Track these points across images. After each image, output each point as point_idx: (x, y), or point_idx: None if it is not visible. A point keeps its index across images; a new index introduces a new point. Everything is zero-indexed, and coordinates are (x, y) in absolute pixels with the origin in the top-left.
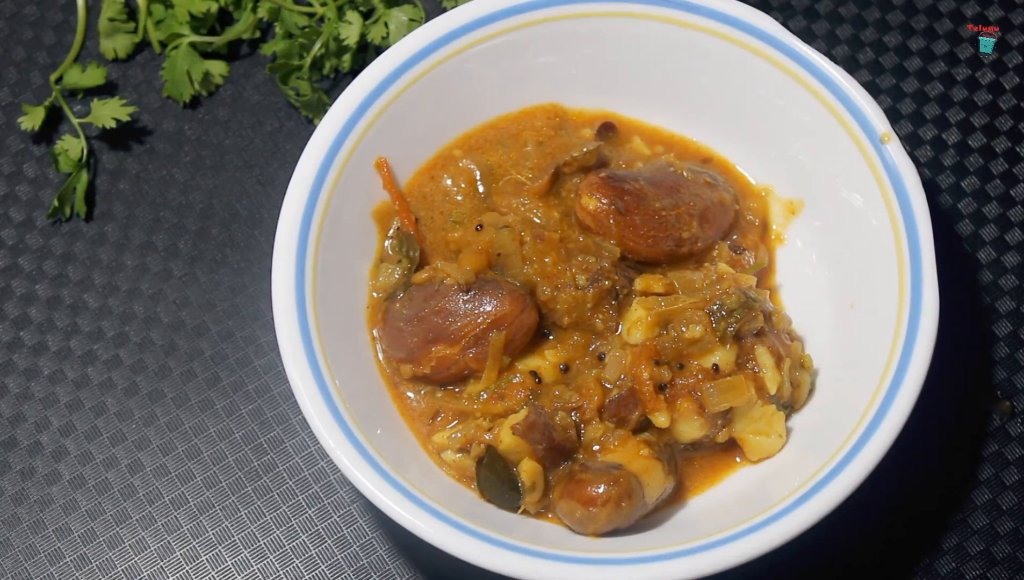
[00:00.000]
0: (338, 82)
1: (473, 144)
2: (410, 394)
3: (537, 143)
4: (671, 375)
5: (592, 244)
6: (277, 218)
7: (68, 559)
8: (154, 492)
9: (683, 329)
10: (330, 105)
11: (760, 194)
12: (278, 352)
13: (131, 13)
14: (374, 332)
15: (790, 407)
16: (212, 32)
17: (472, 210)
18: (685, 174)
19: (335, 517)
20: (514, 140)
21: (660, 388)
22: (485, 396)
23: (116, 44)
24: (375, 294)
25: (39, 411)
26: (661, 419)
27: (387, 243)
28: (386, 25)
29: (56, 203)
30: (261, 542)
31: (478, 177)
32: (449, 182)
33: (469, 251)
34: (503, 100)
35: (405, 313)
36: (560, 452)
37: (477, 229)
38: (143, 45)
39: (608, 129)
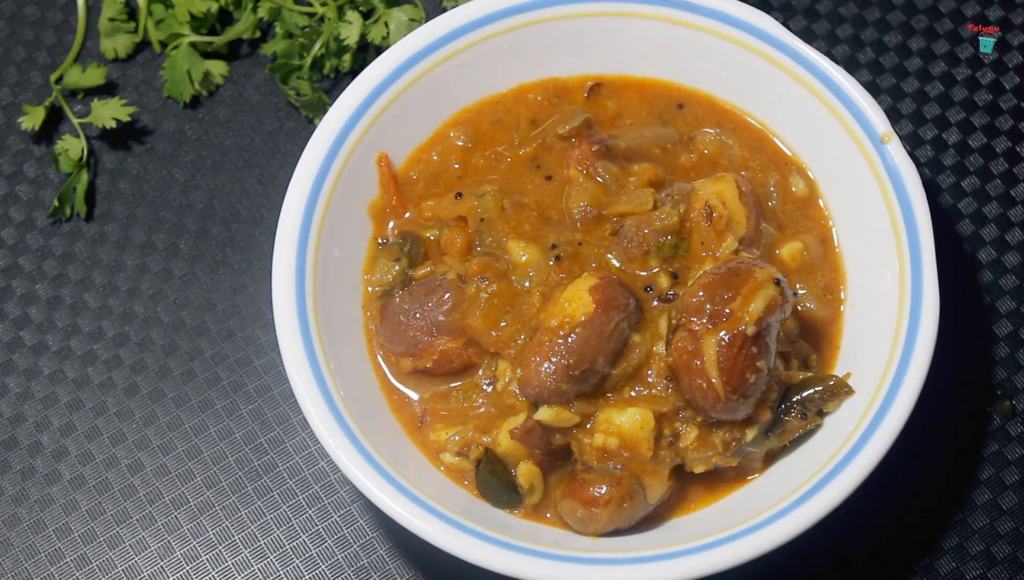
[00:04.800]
0: (338, 82)
1: (467, 119)
2: (410, 393)
3: (530, 120)
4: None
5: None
6: (277, 218)
7: (68, 559)
8: (154, 492)
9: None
10: (330, 105)
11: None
12: (278, 352)
13: (131, 13)
14: (371, 327)
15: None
16: (212, 32)
17: (456, 183)
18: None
19: (335, 517)
20: (509, 113)
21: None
22: (481, 401)
23: (116, 44)
24: (370, 289)
25: (39, 411)
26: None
27: (383, 241)
28: (386, 25)
29: (56, 203)
30: (261, 542)
31: (468, 145)
32: (436, 157)
33: (454, 228)
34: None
35: (406, 307)
36: (558, 456)
37: (456, 197)
38: (143, 45)
39: (598, 87)
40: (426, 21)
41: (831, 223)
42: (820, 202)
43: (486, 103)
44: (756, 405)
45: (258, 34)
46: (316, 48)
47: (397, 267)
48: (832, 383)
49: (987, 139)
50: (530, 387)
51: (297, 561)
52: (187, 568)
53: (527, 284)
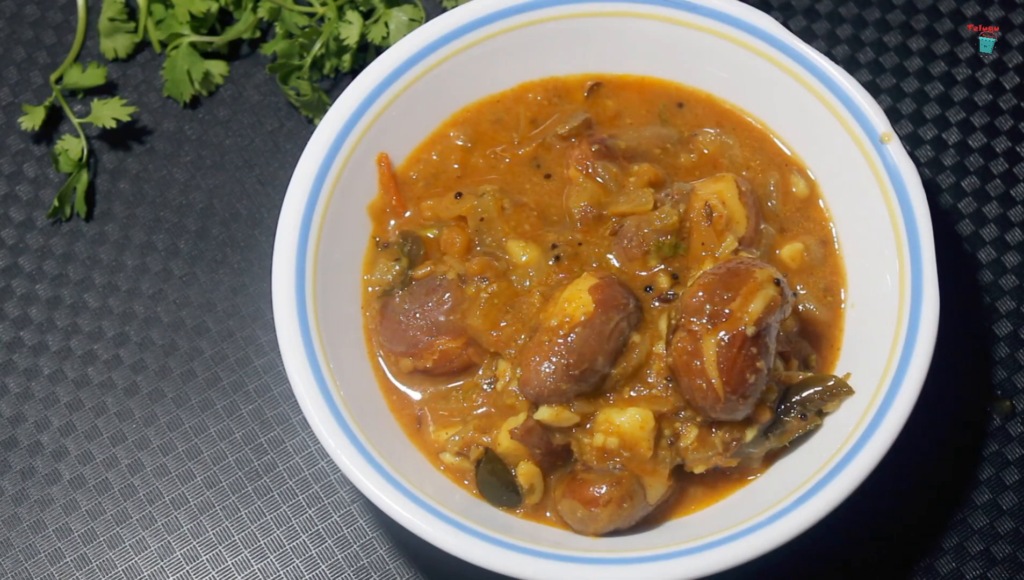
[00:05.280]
0: (338, 82)
1: (467, 119)
2: (410, 393)
3: (530, 120)
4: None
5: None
6: (277, 218)
7: (68, 559)
8: (154, 492)
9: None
10: (330, 105)
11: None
12: (278, 352)
13: (131, 13)
14: (371, 327)
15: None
16: (212, 32)
17: (456, 183)
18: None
19: (335, 517)
20: (509, 113)
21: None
22: (481, 401)
23: (116, 44)
24: (370, 289)
25: (39, 411)
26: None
27: (384, 244)
28: (386, 25)
29: (56, 203)
30: (261, 542)
31: (468, 145)
32: (435, 157)
33: (454, 228)
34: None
35: (406, 307)
36: (558, 456)
37: (456, 197)
38: (143, 45)
39: (598, 86)
40: (426, 21)
41: (831, 223)
42: (820, 203)
43: (486, 103)
44: (756, 405)
45: (258, 34)
46: (316, 48)
47: (397, 267)
48: (832, 383)
49: (987, 139)
50: (530, 387)
51: (297, 561)
52: (187, 568)
53: (527, 284)
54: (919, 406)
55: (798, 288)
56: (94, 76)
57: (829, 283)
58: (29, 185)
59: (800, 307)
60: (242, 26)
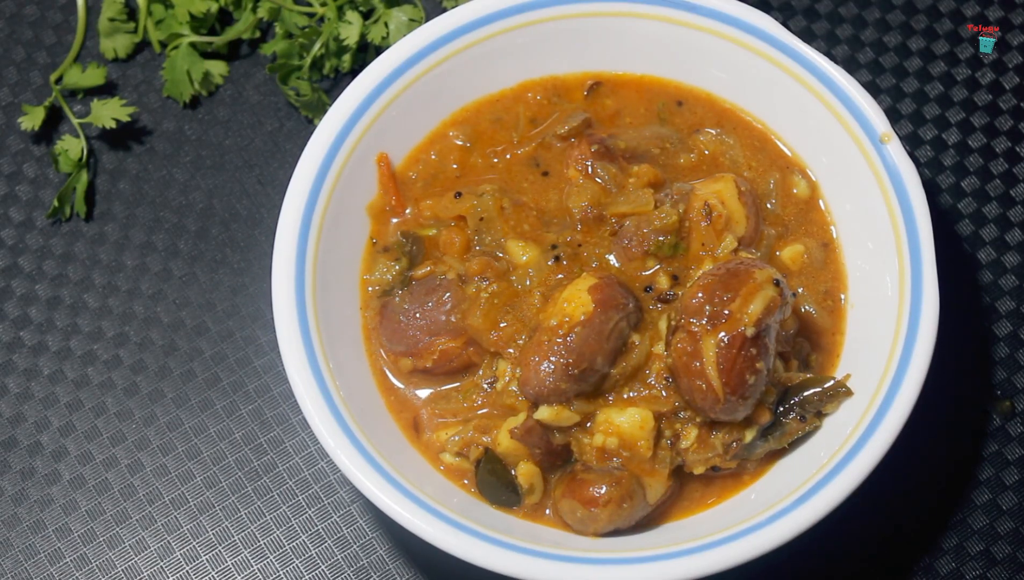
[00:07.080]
0: (338, 82)
1: (466, 118)
2: (409, 392)
3: (529, 119)
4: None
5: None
6: (277, 218)
7: (68, 559)
8: (154, 492)
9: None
10: (330, 105)
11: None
12: (278, 352)
13: (131, 13)
14: (370, 326)
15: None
16: (212, 32)
17: (455, 182)
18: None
19: (335, 517)
20: (508, 112)
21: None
22: (481, 401)
23: (116, 44)
24: (370, 289)
25: (39, 411)
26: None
27: (384, 247)
28: (386, 25)
29: (56, 203)
30: (261, 542)
31: (467, 145)
32: (434, 156)
33: (453, 228)
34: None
35: (406, 307)
36: (558, 456)
37: (456, 197)
38: (143, 45)
39: (597, 85)
40: (426, 21)
41: (831, 224)
42: (820, 204)
43: (485, 102)
44: (755, 406)
45: (258, 34)
46: (316, 48)
47: (397, 267)
48: (831, 385)
49: (987, 139)
50: (529, 386)
51: (297, 561)
52: (187, 568)
53: (527, 284)
54: (919, 406)
55: (799, 289)
56: (94, 76)
57: (829, 286)
58: (29, 185)
59: (803, 308)
60: (242, 26)
